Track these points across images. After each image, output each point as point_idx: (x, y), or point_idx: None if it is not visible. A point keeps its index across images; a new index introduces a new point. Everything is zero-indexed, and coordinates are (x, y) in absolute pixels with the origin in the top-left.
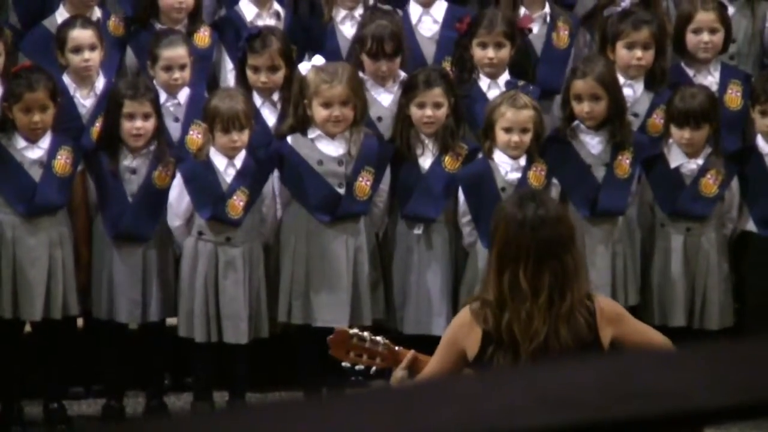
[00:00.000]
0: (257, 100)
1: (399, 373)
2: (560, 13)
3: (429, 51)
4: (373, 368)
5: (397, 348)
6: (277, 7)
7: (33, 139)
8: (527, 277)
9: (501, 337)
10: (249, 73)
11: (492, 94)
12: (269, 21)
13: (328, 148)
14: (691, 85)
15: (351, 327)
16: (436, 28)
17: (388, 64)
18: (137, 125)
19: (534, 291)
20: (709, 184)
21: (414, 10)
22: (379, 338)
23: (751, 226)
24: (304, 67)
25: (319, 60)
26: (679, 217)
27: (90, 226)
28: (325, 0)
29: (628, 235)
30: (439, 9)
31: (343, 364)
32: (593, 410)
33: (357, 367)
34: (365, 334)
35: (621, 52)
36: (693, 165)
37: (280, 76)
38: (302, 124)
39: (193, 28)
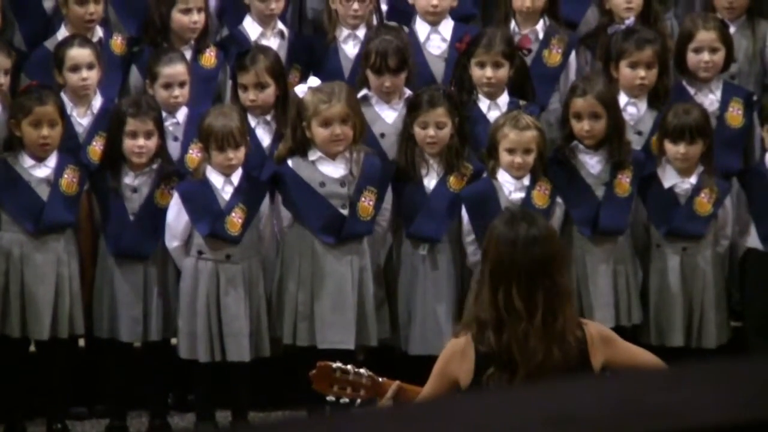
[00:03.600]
0: (251, 120)
1: (385, 404)
2: (557, 30)
3: (438, 69)
4: (358, 401)
5: (381, 379)
6: (281, 26)
7: (41, 155)
8: (521, 296)
9: (500, 358)
10: (239, 91)
11: (492, 114)
12: (273, 40)
13: (329, 170)
14: (685, 102)
15: (334, 360)
16: (444, 46)
17: (392, 79)
18: (139, 143)
19: (528, 310)
20: (704, 203)
21: (421, 28)
22: (362, 370)
23: (755, 242)
24: (300, 90)
25: (314, 81)
26: (675, 237)
27: (95, 245)
28: (328, 20)
29: (629, 255)
30: (447, 27)
31: (328, 398)
32: (599, 429)
33: (341, 401)
34: (348, 366)
35: (624, 71)
36: (687, 184)
37: (268, 94)
38: (302, 146)
39: (200, 48)
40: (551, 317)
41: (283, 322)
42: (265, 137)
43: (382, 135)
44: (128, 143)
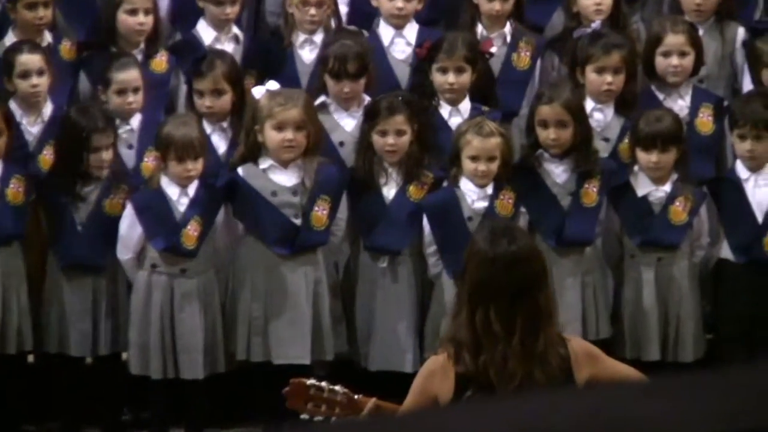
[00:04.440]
0: (207, 126)
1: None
2: (524, 33)
3: (402, 74)
4: (333, 419)
5: (356, 396)
6: (236, 30)
7: None
8: (500, 317)
9: (478, 380)
10: (195, 97)
11: (454, 121)
12: (228, 45)
13: (281, 178)
14: (657, 108)
15: (308, 377)
16: (409, 50)
17: (351, 85)
18: (102, 157)
19: (507, 331)
20: (679, 212)
21: (385, 32)
22: (337, 387)
23: (727, 253)
24: (257, 92)
25: (273, 85)
26: (649, 247)
27: (44, 257)
28: (285, 24)
29: (597, 266)
30: (411, 31)
31: (302, 416)
32: None
33: (316, 418)
34: (323, 383)
35: (591, 77)
36: (661, 192)
37: (225, 100)
38: (253, 153)
39: (150, 53)
40: (531, 339)
41: (237, 336)
42: (221, 144)
43: (341, 143)
44: (92, 158)
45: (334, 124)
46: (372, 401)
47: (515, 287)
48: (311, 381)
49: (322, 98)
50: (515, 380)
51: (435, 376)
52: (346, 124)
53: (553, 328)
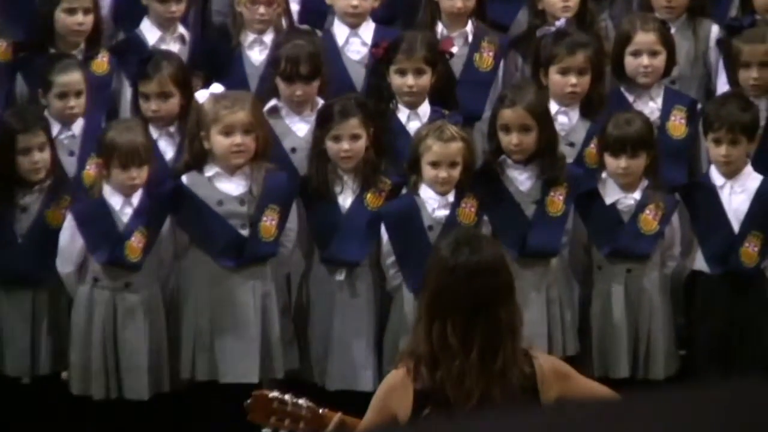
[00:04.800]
0: (153, 132)
1: None
2: (486, 32)
3: (358, 76)
4: None
5: (321, 410)
6: (182, 30)
7: None
8: (457, 331)
9: (435, 397)
10: (140, 101)
11: (412, 125)
12: (173, 45)
13: (227, 187)
14: (626, 111)
15: (270, 389)
16: (364, 51)
17: (304, 87)
18: (34, 159)
19: (464, 346)
20: (649, 220)
21: (340, 31)
22: (301, 401)
23: (701, 265)
24: (201, 96)
25: (217, 88)
26: (618, 258)
27: None
28: (233, 23)
29: (563, 279)
30: (367, 30)
31: (264, 430)
32: None
33: None
34: (286, 396)
35: (554, 78)
36: (630, 200)
37: (172, 104)
38: (199, 160)
39: (91, 54)
40: (490, 355)
41: (181, 354)
42: (168, 150)
43: (294, 150)
44: (23, 161)
45: (286, 129)
46: (338, 416)
47: (475, 300)
48: (274, 394)
49: (273, 102)
50: (473, 398)
51: (394, 391)
52: (299, 129)
53: (516, 344)
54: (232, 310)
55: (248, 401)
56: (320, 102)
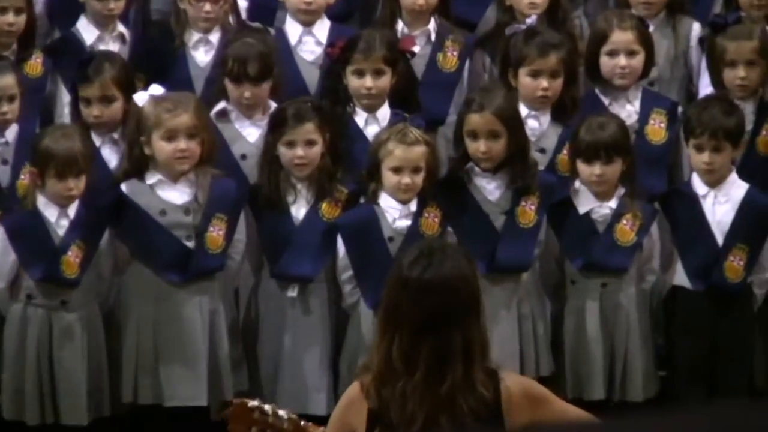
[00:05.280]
0: (95, 138)
1: None
2: (450, 30)
3: (312, 77)
4: None
5: (303, 423)
6: (121, 28)
7: None
8: (401, 350)
9: (382, 418)
10: (81, 106)
11: (370, 129)
12: (112, 44)
13: (171, 195)
14: (600, 114)
15: (252, 398)
16: (319, 50)
17: (253, 89)
18: None
19: (408, 366)
20: (626, 231)
21: (293, 29)
22: (282, 412)
23: (681, 279)
24: (140, 98)
25: (157, 90)
26: (592, 271)
27: None
28: (176, 22)
29: (535, 295)
30: (322, 28)
31: None
32: None
33: None
34: (266, 407)
35: (524, 80)
36: (605, 209)
37: (115, 109)
38: (139, 167)
39: (24, 55)
40: (436, 378)
41: (123, 376)
42: (111, 158)
43: (244, 156)
44: None
45: (236, 135)
46: (320, 430)
47: (424, 318)
48: (254, 403)
49: (222, 105)
50: (416, 423)
51: (352, 406)
52: (249, 134)
53: (472, 368)
54: (178, 329)
55: (227, 410)
56: (273, 105)
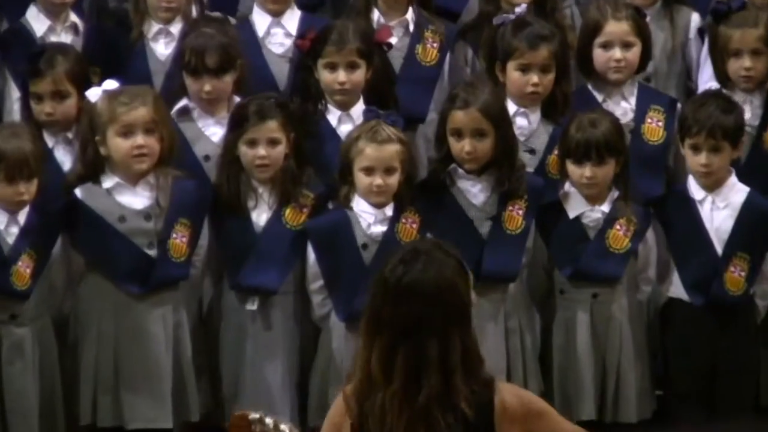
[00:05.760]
0: (48, 138)
1: None
2: (430, 21)
3: (281, 72)
4: None
5: None
6: (74, 18)
7: None
8: (380, 358)
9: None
10: (32, 102)
11: (344, 128)
12: (64, 36)
13: (130, 199)
14: (592, 111)
15: (253, 410)
16: (288, 42)
17: (213, 83)
18: None
19: (386, 376)
20: (619, 237)
21: (260, 20)
22: (284, 426)
23: (678, 291)
24: (93, 94)
25: (111, 84)
26: (582, 281)
27: None
28: (134, 11)
29: (524, 307)
30: (292, 19)
31: None
32: None
33: None
34: (268, 420)
35: (513, 75)
36: (597, 213)
37: (69, 105)
38: (94, 169)
39: None
40: (413, 388)
41: (80, 396)
42: (65, 160)
43: (207, 158)
44: None
45: (198, 134)
46: None
47: (401, 324)
48: (254, 415)
49: (183, 102)
50: None
51: (337, 417)
52: (213, 133)
53: (452, 378)
54: (139, 344)
55: (230, 421)
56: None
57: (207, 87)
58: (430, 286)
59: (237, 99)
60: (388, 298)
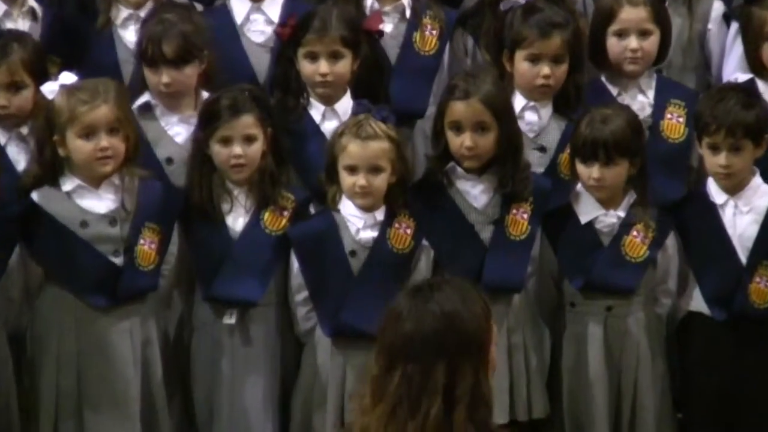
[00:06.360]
0: (1, 134)
1: None
2: (428, 6)
3: (261, 62)
4: None
5: None
6: (32, 2)
7: None
8: (375, 380)
9: None
10: None
11: (329, 125)
12: (22, 22)
13: (92, 203)
14: (606, 106)
15: None
16: (269, 30)
17: (173, 74)
18: None
19: (375, 397)
20: (636, 245)
21: (239, 6)
22: None
23: (698, 305)
24: (49, 89)
25: (68, 78)
26: (595, 293)
27: None
28: None
29: (530, 321)
30: (273, 5)
31: None
32: None
33: None
34: None
35: (522, 66)
36: (612, 219)
37: (24, 98)
38: (52, 171)
39: None
40: (405, 411)
41: (39, 420)
42: (20, 158)
43: (170, 160)
44: None
45: (160, 133)
46: None
47: (406, 342)
48: None
49: (144, 98)
50: None
51: None
52: (177, 133)
53: (452, 414)
54: (105, 363)
55: None
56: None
57: (165, 79)
58: (454, 310)
59: (206, 95)
60: (404, 325)
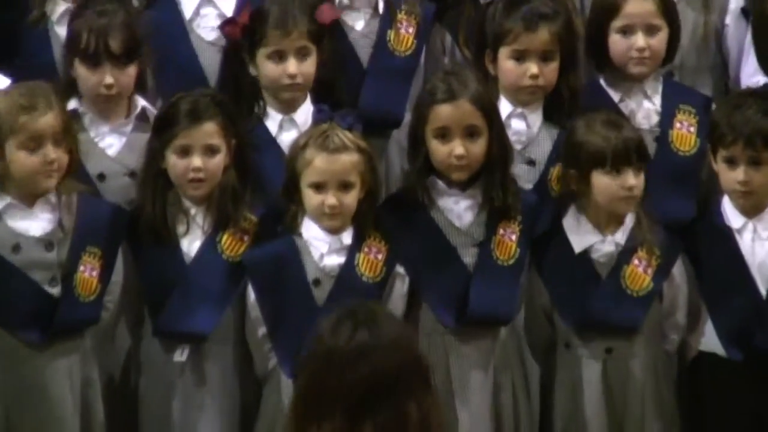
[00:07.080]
0: None
1: None
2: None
3: (212, 63)
4: None
5: None
6: None
7: None
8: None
9: None
10: None
11: (287, 136)
12: None
13: (25, 224)
14: (603, 112)
15: None
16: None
17: (116, 74)
18: None
19: None
20: (638, 275)
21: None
22: None
23: (711, 344)
24: None
25: (2, 82)
26: (592, 332)
27: None
28: None
29: (517, 359)
30: None
31: None
32: None
33: None
34: None
35: (507, 65)
36: (609, 246)
37: None
38: None
39: None
40: None
41: None
42: None
43: (102, 177)
44: None
45: (90, 146)
46: None
47: (360, 393)
48: None
49: (71, 105)
50: None
51: None
52: (109, 145)
53: None
54: (39, 405)
55: None
56: (142, 105)
57: (108, 79)
58: (393, 339)
59: (141, 100)
60: (338, 368)
